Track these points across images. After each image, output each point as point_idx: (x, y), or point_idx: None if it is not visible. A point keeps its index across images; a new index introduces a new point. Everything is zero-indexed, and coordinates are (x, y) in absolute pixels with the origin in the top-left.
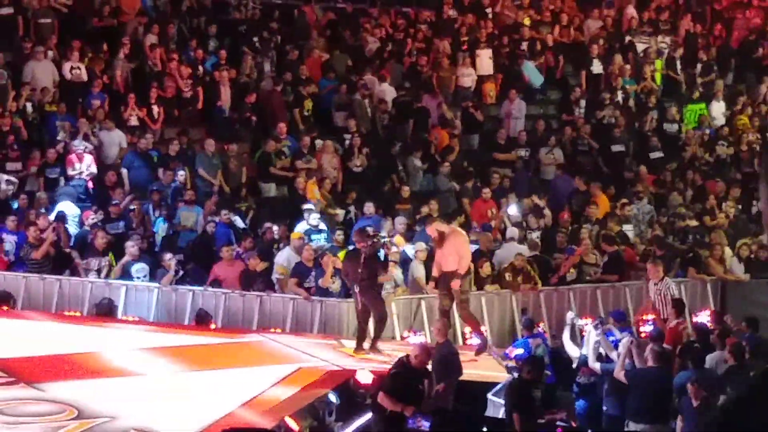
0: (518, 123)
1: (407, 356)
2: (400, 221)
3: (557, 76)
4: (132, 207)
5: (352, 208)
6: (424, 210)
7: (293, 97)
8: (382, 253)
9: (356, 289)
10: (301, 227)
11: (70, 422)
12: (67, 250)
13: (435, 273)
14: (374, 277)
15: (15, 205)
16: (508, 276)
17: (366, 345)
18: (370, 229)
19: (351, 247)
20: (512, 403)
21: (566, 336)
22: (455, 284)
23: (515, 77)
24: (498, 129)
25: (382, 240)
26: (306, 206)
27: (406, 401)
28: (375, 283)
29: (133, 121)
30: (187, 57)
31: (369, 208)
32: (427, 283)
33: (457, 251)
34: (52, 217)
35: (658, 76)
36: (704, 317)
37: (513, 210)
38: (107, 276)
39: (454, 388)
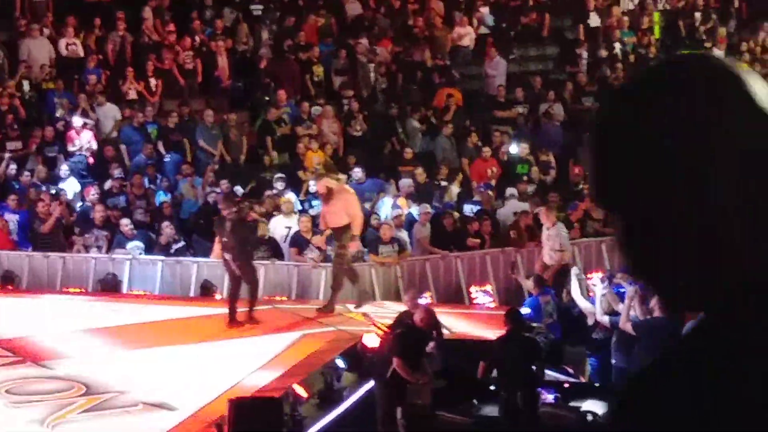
0: (498, 81)
1: (406, 316)
2: (406, 183)
3: (543, 33)
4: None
5: (358, 171)
6: (419, 171)
7: (300, 64)
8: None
9: (227, 257)
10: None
11: (79, 398)
12: (70, 226)
13: (322, 226)
14: (243, 243)
15: (17, 185)
16: (513, 234)
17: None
18: (235, 194)
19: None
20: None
21: (575, 291)
22: (354, 246)
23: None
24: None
25: (247, 205)
26: (277, 175)
27: (417, 362)
28: (245, 250)
29: (132, 95)
30: (185, 28)
31: (357, 173)
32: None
33: (346, 210)
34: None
35: (656, 28)
36: None
37: (513, 148)
38: (107, 251)
39: (443, 348)
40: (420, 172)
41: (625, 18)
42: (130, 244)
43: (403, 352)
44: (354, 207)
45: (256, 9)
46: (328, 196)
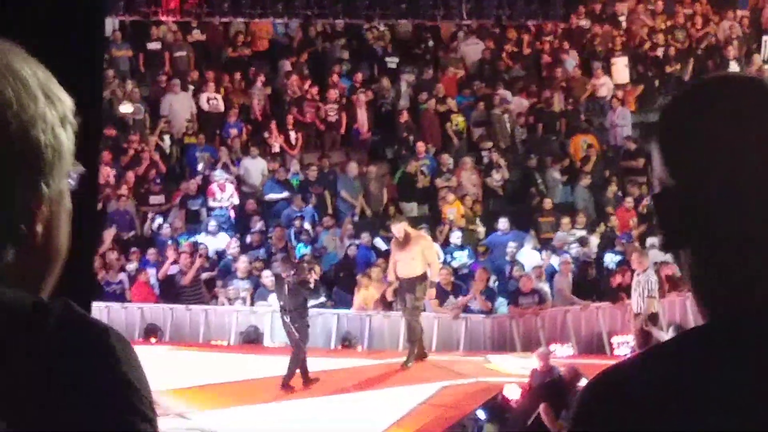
0: (623, 131)
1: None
2: (559, 237)
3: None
4: (271, 234)
5: (504, 221)
6: (566, 221)
7: (438, 116)
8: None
9: (286, 319)
10: None
11: None
12: (212, 279)
13: (391, 277)
14: (302, 305)
15: (160, 238)
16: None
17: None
18: (294, 257)
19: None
20: None
21: None
22: (430, 295)
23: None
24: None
25: (306, 266)
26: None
27: (560, 414)
28: (304, 313)
29: (275, 148)
30: (327, 81)
31: (503, 223)
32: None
33: (424, 257)
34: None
35: None
36: None
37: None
38: (250, 304)
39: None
40: (566, 222)
41: (766, 66)
42: (272, 297)
43: (550, 399)
44: (432, 253)
45: (392, 62)
46: (405, 241)
